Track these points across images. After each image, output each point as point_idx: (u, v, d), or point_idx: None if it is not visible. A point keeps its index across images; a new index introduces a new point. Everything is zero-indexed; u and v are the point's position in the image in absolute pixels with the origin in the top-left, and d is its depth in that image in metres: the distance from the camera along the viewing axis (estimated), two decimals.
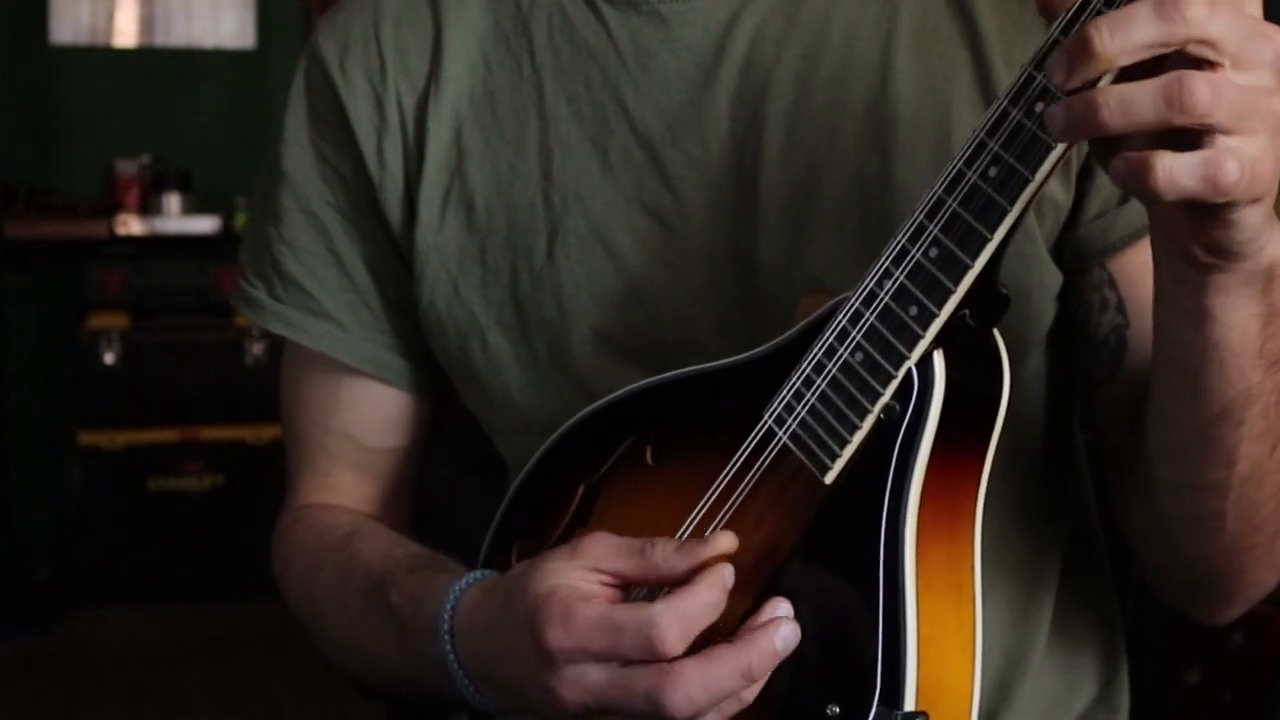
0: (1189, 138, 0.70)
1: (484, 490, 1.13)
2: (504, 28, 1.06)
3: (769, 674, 0.82)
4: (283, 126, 1.11)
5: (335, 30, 1.10)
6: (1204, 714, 1.89)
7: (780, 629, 0.82)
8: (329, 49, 1.09)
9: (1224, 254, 0.76)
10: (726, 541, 0.84)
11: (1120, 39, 0.69)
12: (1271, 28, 0.71)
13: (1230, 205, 0.72)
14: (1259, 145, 0.70)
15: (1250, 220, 0.73)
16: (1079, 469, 1.10)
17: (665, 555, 0.84)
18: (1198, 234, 0.75)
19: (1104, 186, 0.96)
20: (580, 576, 0.84)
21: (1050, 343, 1.01)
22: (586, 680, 0.82)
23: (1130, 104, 0.69)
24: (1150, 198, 0.71)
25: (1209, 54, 0.69)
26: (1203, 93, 0.68)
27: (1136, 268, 0.96)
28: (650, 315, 1.01)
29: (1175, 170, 0.69)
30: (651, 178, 1.01)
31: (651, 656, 0.80)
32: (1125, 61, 0.69)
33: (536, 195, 1.03)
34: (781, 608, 0.83)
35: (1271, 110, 0.70)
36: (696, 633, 0.81)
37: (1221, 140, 0.69)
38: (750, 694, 0.83)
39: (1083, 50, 0.70)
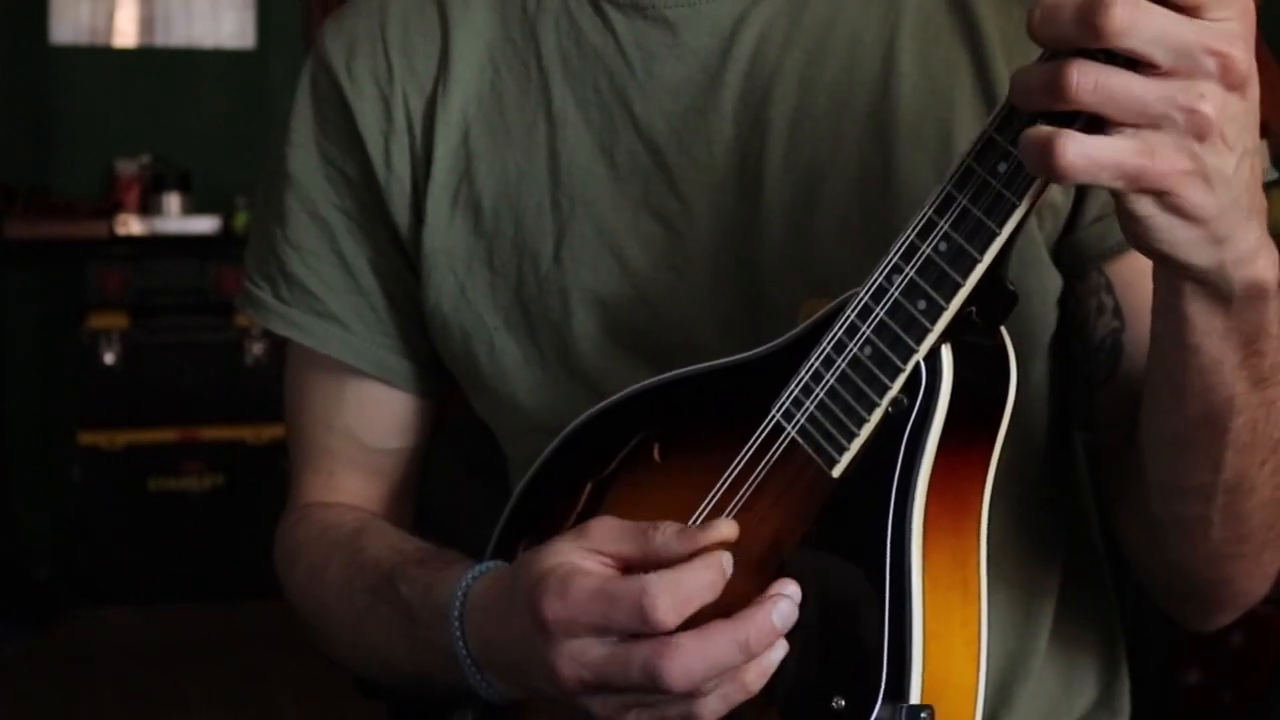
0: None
1: (487, 490, 1.13)
2: (511, 31, 1.06)
3: (773, 661, 0.83)
4: (288, 128, 1.11)
5: (341, 33, 1.10)
6: (1204, 714, 1.90)
7: (779, 605, 0.82)
8: (335, 51, 1.09)
9: (1159, 258, 0.77)
10: (727, 529, 0.85)
11: (1046, 32, 0.72)
12: (1225, 40, 0.71)
13: (1120, 195, 0.73)
14: (1154, 140, 0.71)
15: (1156, 217, 0.74)
16: (1079, 472, 1.10)
17: (666, 539, 0.84)
18: (1125, 233, 0.76)
19: (1102, 191, 0.97)
20: (582, 556, 0.85)
21: (1052, 349, 1.02)
22: (586, 656, 0.82)
23: (1024, 83, 0.73)
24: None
25: (1139, 59, 0.71)
26: (1076, 81, 0.71)
27: (1133, 272, 0.97)
28: (655, 317, 1.02)
29: (1025, 142, 0.72)
30: (657, 182, 1.02)
31: (644, 625, 0.80)
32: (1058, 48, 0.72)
33: (544, 198, 1.04)
34: (789, 588, 0.83)
35: (1187, 109, 0.71)
36: (691, 608, 0.81)
37: (1111, 128, 0.72)
38: (756, 685, 0.83)
39: (1029, 31, 0.74)
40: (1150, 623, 1.21)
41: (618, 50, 1.03)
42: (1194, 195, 0.73)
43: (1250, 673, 1.90)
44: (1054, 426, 1.05)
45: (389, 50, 1.08)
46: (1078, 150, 0.71)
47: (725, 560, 0.83)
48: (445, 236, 1.06)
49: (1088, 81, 0.70)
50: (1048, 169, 0.71)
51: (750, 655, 0.81)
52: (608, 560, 0.85)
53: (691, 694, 0.81)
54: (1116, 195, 0.74)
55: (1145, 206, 0.73)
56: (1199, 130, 0.71)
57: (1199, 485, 0.88)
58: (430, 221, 1.06)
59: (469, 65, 1.06)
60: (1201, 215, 0.74)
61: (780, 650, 0.83)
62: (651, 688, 0.80)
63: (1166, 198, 0.73)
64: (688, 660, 0.79)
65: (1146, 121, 0.71)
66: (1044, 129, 0.72)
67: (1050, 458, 1.05)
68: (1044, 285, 0.98)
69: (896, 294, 0.81)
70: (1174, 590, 1.00)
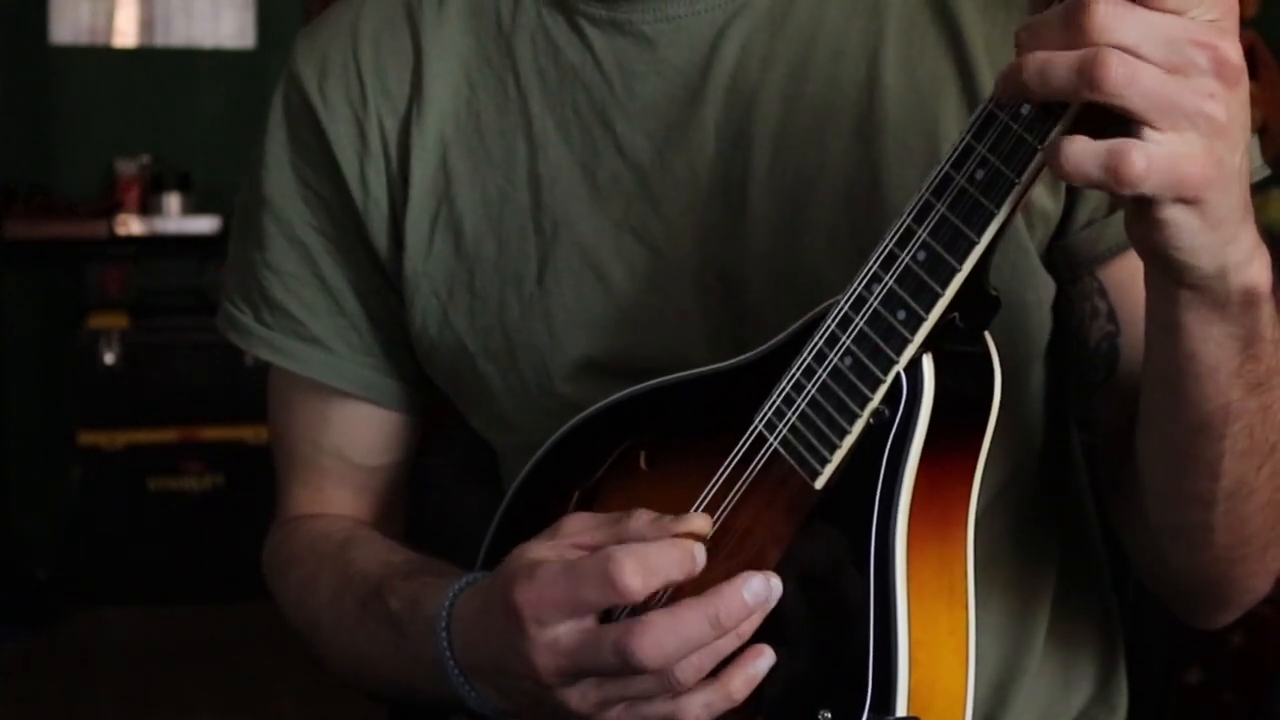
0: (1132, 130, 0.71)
1: (485, 494, 1.13)
2: (486, 48, 1.05)
3: (760, 670, 0.83)
4: (262, 150, 1.10)
5: (313, 53, 1.09)
6: (1204, 714, 1.90)
7: (749, 581, 0.82)
8: (307, 72, 1.08)
9: (1169, 266, 0.76)
10: (700, 522, 0.86)
11: (1031, 41, 0.72)
12: (1212, 34, 0.71)
13: (1153, 202, 0.72)
14: (1185, 144, 0.71)
15: (1182, 223, 0.73)
16: (1077, 471, 1.10)
17: (639, 525, 0.85)
18: (1140, 239, 0.76)
19: (1092, 196, 0.96)
20: (553, 549, 0.86)
21: (1048, 354, 1.01)
22: (560, 643, 0.83)
23: (1048, 71, 0.71)
24: (1061, 178, 0.72)
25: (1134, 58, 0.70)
26: (1115, 70, 0.69)
27: (1126, 276, 0.96)
28: (640, 339, 1.01)
29: (1080, 154, 0.70)
30: (640, 201, 1.00)
31: (611, 592, 0.80)
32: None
33: (527, 221, 1.03)
34: (754, 578, 0.82)
35: (1203, 112, 0.71)
36: (658, 579, 0.81)
37: (1146, 133, 0.70)
38: (741, 694, 0.83)
39: (1016, 43, 0.73)
40: (1150, 623, 1.21)
41: (596, 68, 1.02)
42: (1221, 199, 0.73)
43: (1250, 673, 1.90)
44: (1051, 428, 1.05)
45: (361, 71, 1.06)
46: (1144, 157, 0.69)
47: (698, 550, 0.83)
48: (426, 260, 1.05)
49: (1124, 73, 0.69)
50: (1120, 179, 0.70)
51: (722, 630, 0.81)
52: (583, 553, 0.85)
53: (667, 677, 0.81)
54: (1143, 202, 0.73)
55: (1177, 213, 0.72)
56: (1215, 129, 0.71)
57: (1198, 493, 0.88)
58: (410, 245, 1.05)
59: (444, 84, 1.05)
60: (1220, 218, 0.73)
61: (766, 660, 0.83)
62: (624, 667, 0.80)
63: (1198, 203, 0.72)
64: (658, 635, 0.80)
65: (1171, 122, 0.70)
66: (1101, 142, 0.70)
67: (1047, 459, 1.05)
68: (1038, 295, 0.98)
69: (876, 303, 0.81)
70: (1178, 591, 1.00)
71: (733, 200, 0.99)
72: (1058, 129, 0.74)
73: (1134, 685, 1.11)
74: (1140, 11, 0.70)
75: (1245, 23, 4.16)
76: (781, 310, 0.93)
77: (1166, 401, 0.85)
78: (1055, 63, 0.71)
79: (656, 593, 0.84)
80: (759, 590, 0.82)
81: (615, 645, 0.80)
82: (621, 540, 0.84)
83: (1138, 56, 0.70)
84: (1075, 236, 0.97)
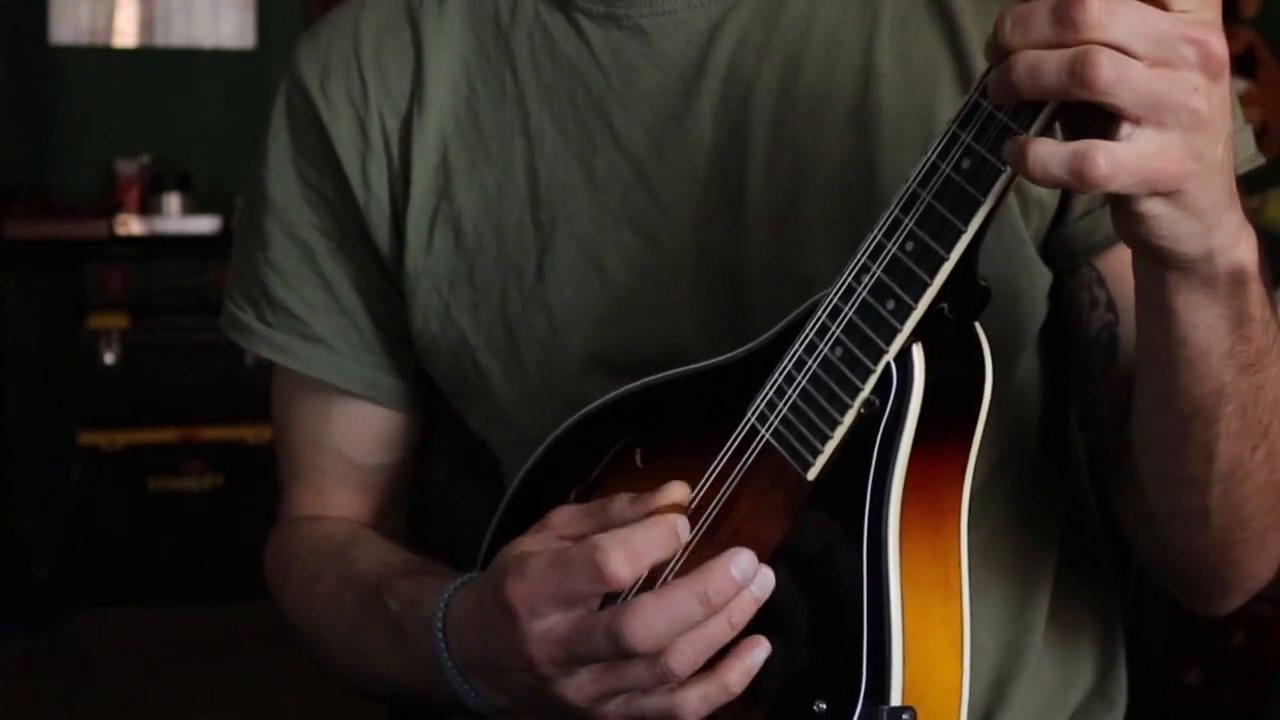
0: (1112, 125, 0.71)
1: (484, 491, 1.13)
2: (485, 45, 1.06)
3: (756, 661, 0.83)
4: (265, 151, 1.11)
5: (315, 52, 1.10)
6: (1204, 714, 1.90)
7: (736, 556, 0.82)
8: (309, 71, 1.09)
9: (1154, 253, 0.77)
10: (678, 491, 0.87)
11: (1020, 35, 0.71)
12: (1200, 29, 0.71)
13: (1130, 197, 0.73)
14: (1163, 140, 0.71)
15: (1162, 214, 0.74)
16: (1076, 464, 1.11)
17: (621, 507, 0.86)
18: (1124, 229, 0.76)
19: None
20: (541, 542, 0.87)
21: (1043, 340, 1.02)
22: (554, 633, 0.83)
23: (1038, 70, 0.71)
24: (1029, 180, 0.73)
25: (1120, 53, 0.70)
26: (1106, 70, 0.69)
27: (1124, 266, 0.96)
28: (639, 331, 1.01)
29: (1046, 157, 0.71)
30: (638, 193, 1.01)
31: (600, 581, 0.81)
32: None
33: (525, 215, 1.03)
34: (742, 554, 0.82)
35: (1186, 107, 0.71)
36: (644, 562, 0.82)
37: (1124, 130, 0.71)
38: (738, 686, 0.83)
39: (994, 36, 0.73)
40: (1150, 623, 1.21)
41: (593, 61, 1.02)
42: (1201, 190, 0.73)
43: (1250, 673, 1.90)
44: (1047, 417, 1.05)
45: (363, 70, 1.07)
46: (1109, 159, 0.70)
47: (681, 523, 0.84)
48: (426, 256, 1.05)
49: (1115, 72, 0.69)
50: (1085, 181, 0.70)
51: (712, 608, 0.81)
52: (569, 544, 0.86)
53: (660, 666, 0.81)
54: (1122, 196, 0.73)
55: (1155, 206, 0.73)
56: (1197, 124, 0.71)
57: (1193, 476, 0.89)
58: (411, 242, 1.06)
59: (444, 82, 1.05)
60: (1202, 208, 0.74)
61: (762, 651, 0.84)
62: (617, 651, 0.81)
63: (1178, 195, 0.73)
64: (648, 616, 0.80)
65: (1155, 117, 0.71)
66: (1066, 144, 0.71)
67: (1043, 448, 1.05)
68: (1033, 283, 0.98)
69: (864, 294, 0.81)
70: (1181, 577, 1.00)
71: (730, 191, 0.99)
72: (1042, 117, 0.74)
73: (1133, 684, 1.11)
74: (1133, 6, 0.70)
75: (1245, 22, 4.16)
76: (779, 300, 0.93)
77: (1160, 386, 0.86)
78: (1045, 63, 0.71)
79: (653, 578, 0.85)
80: (746, 566, 0.82)
81: (606, 628, 0.80)
82: (605, 527, 0.85)
83: (1127, 52, 0.70)
84: (1072, 227, 0.97)
